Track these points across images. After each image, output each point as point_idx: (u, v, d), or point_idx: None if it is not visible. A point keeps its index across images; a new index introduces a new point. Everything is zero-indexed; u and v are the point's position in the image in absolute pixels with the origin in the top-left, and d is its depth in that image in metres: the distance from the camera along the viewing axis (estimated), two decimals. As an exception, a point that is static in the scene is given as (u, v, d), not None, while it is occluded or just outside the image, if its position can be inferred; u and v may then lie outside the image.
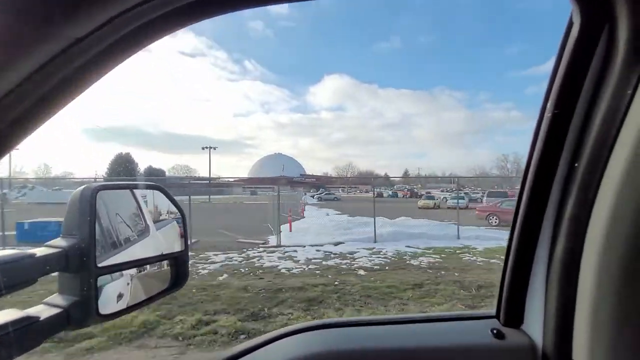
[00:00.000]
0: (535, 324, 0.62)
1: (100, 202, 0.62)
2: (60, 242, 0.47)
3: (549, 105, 0.56)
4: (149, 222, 0.78)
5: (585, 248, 0.53)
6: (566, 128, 0.55)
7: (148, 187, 0.73)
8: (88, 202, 0.52)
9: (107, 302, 0.54)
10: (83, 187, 0.54)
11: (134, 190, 0.75)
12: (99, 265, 0.51)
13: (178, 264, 0.68)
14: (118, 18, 0.34)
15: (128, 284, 0.62)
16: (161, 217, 0.79)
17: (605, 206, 0.50)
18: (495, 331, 0.65)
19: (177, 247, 0.72)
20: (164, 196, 0.77)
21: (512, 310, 0.66)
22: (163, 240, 0.75)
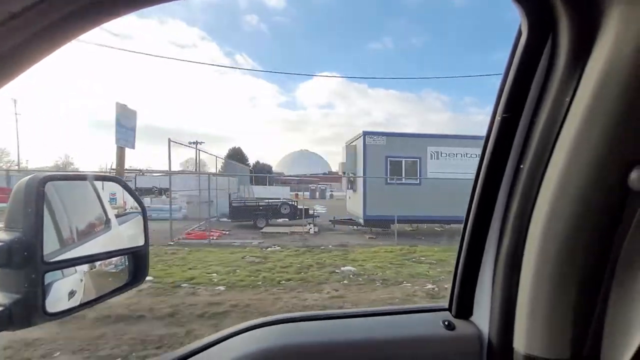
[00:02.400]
0: (483, 315, 0.67)
1: (54, 194, 0.58)
2: (1, 235, 0.44)
3: (499, 109, 0.59)
4: (111, 215, 0.75)
5: (526, 245, 0.58)
6: (514, 131, 0.59)
7: (105, 179, 0.70)
8: (34, 193, 0.48)
9: (57, 300, 0.52)
10: (29, 177, 0.51)
11: (94, 181, 0.72)
12: (47, 260, 0.49)
13: (137, 259, 0.66)
14: None
15: (81, 280, 0.60)
16: (127, 211, 0.76)
17: (544, 206, 0.54)
18: (446, 322, 0.69)
19: (138, 241, 0.69)
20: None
21: (463, 303, 0.71)
22: (125, 235, 0.72)
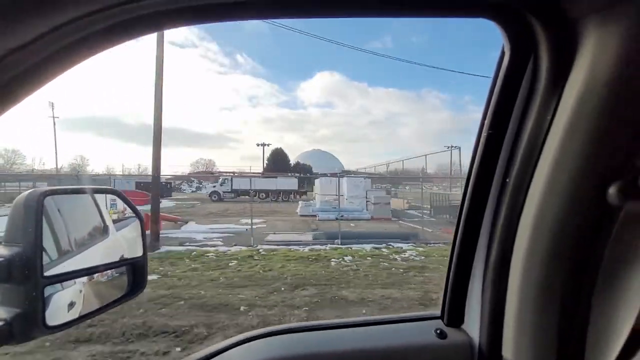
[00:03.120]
0: (474, 323, 0.69)
1: (53, 207, 0.59)
2: (1, 251, 0.45)
3: (485, 125, 0.62)
4: (109, 223, 0.76)
5: (513, 255, 0.60)
6: (499, 147, 0.61)
7: (103, 191, 0.71)
8: (34, 207, 0.49)
9: (56, 313, 0.52)
10: (28, 191, 0.52)
11: (95, 194, 0.73)
12: (46, 274, 0.50)
13: (135, 270, 0.67)
14: (57, 30, 0.33)
15: (81, 291, 0.60)
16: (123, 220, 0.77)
17: (529, 218, 0.56)
18: (438, 331, 0.71)
19: (136, 252, 0.70)
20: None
21: (454, 312, 0.73)
22: (124, 241, 0.73)
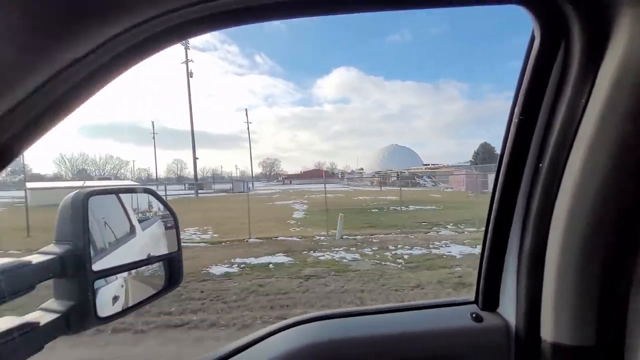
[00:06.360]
0: (509, 306, 0.68)
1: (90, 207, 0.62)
2: (54, 248, 0.48)
3: (516, 111, 0.61)
4: (135, 222, 0.79)
5: (549, 240, 0.59)
6: (531, 132, 0.60)
7: (138, 191, 0.74)
8: (81, 207, 0.52)
9: (104, 305, 0.55)
10: (74, 192, 0.54)
11: (120, 194, 0.76)
12: (95, 269, 0.52)
13: (172, 265, 0.70)
14: (116, 38, 0.35)
15: (122, 286, 0.63)
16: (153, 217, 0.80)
17: (564, 204, 0.56)
18: (474, 315, 0.71)
19: (169, 247, 0.73)
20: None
21: (489, 296, 0.73)
22: (150, 239, 0.76)
